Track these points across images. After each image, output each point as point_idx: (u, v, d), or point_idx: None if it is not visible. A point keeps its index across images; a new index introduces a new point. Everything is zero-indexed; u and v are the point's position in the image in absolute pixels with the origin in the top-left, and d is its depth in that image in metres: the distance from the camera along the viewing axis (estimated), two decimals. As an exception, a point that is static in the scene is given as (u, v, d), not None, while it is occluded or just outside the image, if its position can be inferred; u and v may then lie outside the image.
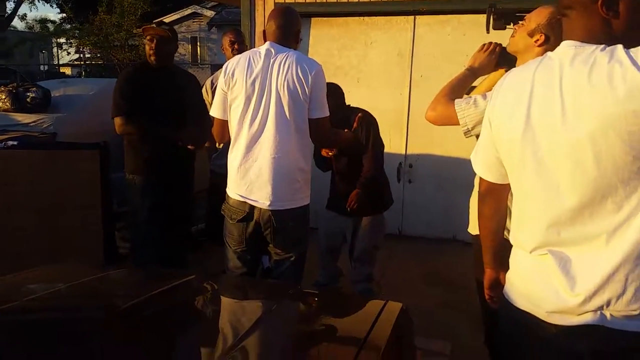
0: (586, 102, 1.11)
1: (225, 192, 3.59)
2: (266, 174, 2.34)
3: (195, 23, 17.51)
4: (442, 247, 4.99)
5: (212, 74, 4.31)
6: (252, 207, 2.37)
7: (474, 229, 2.13)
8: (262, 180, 2.34)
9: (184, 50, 17.04)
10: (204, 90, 3.87)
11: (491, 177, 1.48)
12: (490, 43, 2.15)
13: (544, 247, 1.24)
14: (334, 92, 3.24)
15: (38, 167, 3.31)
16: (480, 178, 1.55)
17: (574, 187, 1.16)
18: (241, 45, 3.80)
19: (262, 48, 2.41)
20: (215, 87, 3.77)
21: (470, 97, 1.94)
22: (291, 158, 2.36)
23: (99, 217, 3.27)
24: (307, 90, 2.33)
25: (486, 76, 2.24)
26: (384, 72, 5.10)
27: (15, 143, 3.60)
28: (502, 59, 2.18)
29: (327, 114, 2.44)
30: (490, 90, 1.88)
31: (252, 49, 2.51)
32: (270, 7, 5.09)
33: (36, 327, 1.49)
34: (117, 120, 3.19)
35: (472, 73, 2.12)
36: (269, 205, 2.35)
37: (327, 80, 2.50)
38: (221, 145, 3.84)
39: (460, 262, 4.24)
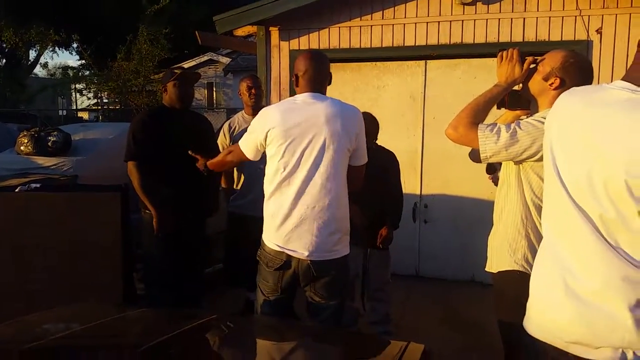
0: None
1: (242, 232, 3.61)
2: (306, 224, 2.28)
3: (211, 69, 17.97)
4: (460, 288, 4.93)
5: (227, 118, 4.41)
6: (290, 257, 2.31)
7: (493, 266, 2.12)
8: (301, 230, 2.28)
9: (200, 95, 17.43)
10: (221, 133, 3.96)
11: None
12: (506, 50, 2.08)
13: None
14: (372, 123, 3.34)
15: (60, 209, 3.37)
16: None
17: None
18: (258, 90, 3.89)
19: (299, 98, 2.39)
20: (234, 130, 3.88)
21: (495, 124, 1.93)
22: (332, 208, 2.30)
23: (119, 258, 3.29)
24: (354, 140, 2.33)
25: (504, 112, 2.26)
26: (397, 115, 5.18)
27: (37, 185, 3.67)
28: (515, 102, 2.19)
29: (366, 160, 2.45)
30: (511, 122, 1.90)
31: (288, 99, 2.49)
32: (285, 54, 5.25)
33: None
34: (129, 165, 3.27)
35: (502, 89, 2.07)
36: (308, 256, 2.29)
37: None
38: (239, 186, 3.90)
39: (480, 304, 4.18)
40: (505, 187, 2.09)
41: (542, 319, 1.32)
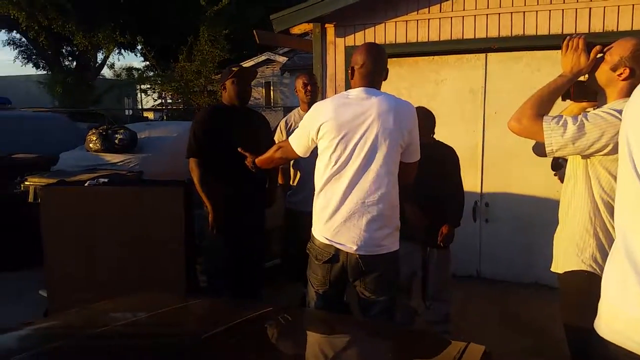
0: None
1: (299, 228, 3.64)
2: (354, 219, 2.28)
3: (268, 69, 18.26)
4: (523, 290, 4.76)
5: (284, 116, 4.46)
6: (338, 250, 2.32)
7: (559, 267, 2.03)
8: (349, 224, 2.29)
9: (258, 94, 17.74)
10: (277, 130, 4.01)
11: None
12: (570, 38, 1.98)
13: None
14: (428, 117, 3.29)
15: (126, 203, 3.53)
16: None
17: None
18: (314, 86, 3.92)
19: (353, 92, 2.38)
20: (290, 126, 3.92)
21: (561, 116, 1.85)
22: (381, 203, 2.29)
23: (182, 250, 3.41)
24: (406, 136, 2.30)
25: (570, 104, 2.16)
26: (456, 110, 5.06)
27: (105, 180, 3.86)
28: (581, 93, 2.09)
29: (419, 157, 2.40)
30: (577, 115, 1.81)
31: (341, 93, 2.49)
32: (341, 51, 5.25)
33: (123, 352, 1.56)
34: (190, 161, 3.37)
35: (568, 79, 1.98)
36: (356, 250, 2.29)
37: None
38: (296, 182, 3.94)
39: (544, 307, 4.03)
40: (572, 183, 1.99)
41: (614, 320, 1.25)
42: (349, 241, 2.29)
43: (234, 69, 3.48)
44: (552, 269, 2.11)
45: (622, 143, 1.33)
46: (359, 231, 2.28)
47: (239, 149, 2.89)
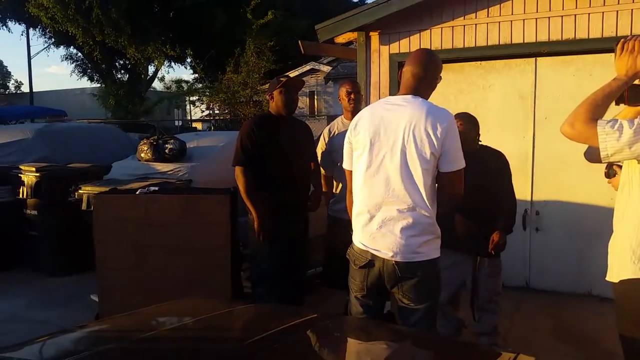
0: None
1: (341, 236, 3.64)
2: (389, 225, 2.28)
3: (313, 78, 18.45)
4: (575, 302, 4.57)
5: (327, 124, 4.47)
6: (374, 256, 2.32)
7: (614, 275, 1.94)
8: (385, 230, 2.28)
9: (302, 103, 17.92)
10: (321, 138, 4.03)
11: None
12: (625, 41, 1.90)
13: None
14: (472, 124, 3.23)
15: (175, 210, 3.62)
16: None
17: None
18: (357, 95, 3.89)
19: (394, 98, 2.39)
20: (333, 134, 3.93)
21: (616, 120, 1.79)
22: (416, 210, 2.26)
23: (227, 257, 3.46)
24: (437, 143, 2.24)
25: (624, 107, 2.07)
26: (505, 115, 4.94)
27: (156, 188, 3.98)
28: (635, 97, 1.99)
29: (462, 166, 2.32)
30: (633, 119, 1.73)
31: (383, 99, 2.49)
32: (385, 59, 5.23)
33: (170, 356, 1.59)
34: (236, 170, 3.42)
35: (623, 83, 1.91)
36: (392, 256, 2.28)
37: None
38: (338, 190, 3.94)
39: (598, 319, 3.87)
40: (627, 189, 1.91)
41: None
42: (385, 247, 2.29)
43: (282, 79, 3.53)
44: (607, 278, 2.02)
45: None
46: (394, 238, 2.27)
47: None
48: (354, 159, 2.43)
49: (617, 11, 4.31)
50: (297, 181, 3.55)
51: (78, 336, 1.82)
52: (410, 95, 2.35)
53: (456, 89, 5.11)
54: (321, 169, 3.87)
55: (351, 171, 2.49)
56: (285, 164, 3.44)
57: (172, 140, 5.52)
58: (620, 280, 1.91)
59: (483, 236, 3.21)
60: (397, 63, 5.07)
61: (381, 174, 2.30)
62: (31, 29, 22.95)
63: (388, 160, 2.28)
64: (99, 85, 23.74)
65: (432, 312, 2.41)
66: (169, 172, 5.17)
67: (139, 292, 3.53)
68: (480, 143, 3.36)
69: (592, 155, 2.23)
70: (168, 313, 2.10)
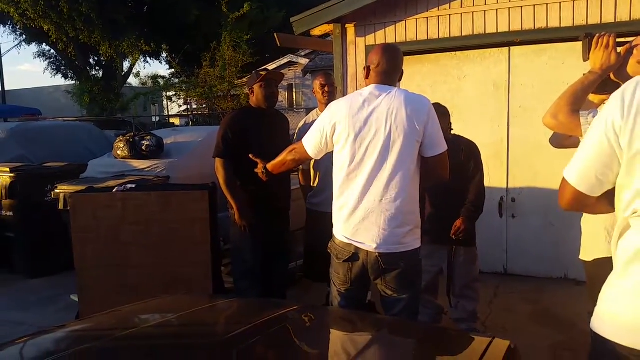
0: None
1: (320, 229, 3.66)
2: (373, 217, 2.28)
3: (291, 71, 18.40)
4: (551, 286, 4.68)
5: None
6: (358, 249, 2.33)
7: (587, 254, 1.99)
8: (368, 222, 2.29)
9: (280, 97, 17.85)
10: (297, 132, 4.02)
11: (583, 188, 1.44)
12: (601, 36, 1.96)
13: None
14: (443, 115, 3.24)
15: (153, 207, 3.59)
16: (566, 185, 1.51)
17: None
18: (331, 87, 3.90)
19: (366, 90, 2.38)
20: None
21: (596, 110, 1.83)
22: (399, 201, 2.27)
23: (207, 253, 3.45)
24: (422, 130, 2.26)
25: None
26: (480, 105, 5.00)
27: (133, 186, 3.94)
28: (602, 86, 2.06)
29: (445, 149, 2.34)
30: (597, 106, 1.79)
31: (355, 92, 2.49)
32: (361, 50, 5.24)
33: (153, 353, 1.59)
34: (216, 161, 3.42)
35: (598, 76, 1.96)
36: (376, 248, 2.29)
37: None
38: (316, 183, 3.95)
39: (575, 301, 3.96)
40: None
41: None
42: (368, 239, 2.30)
43: (261, 72, 3.52)
44: (580, 257, 2.06)
45: None
46: (377, 229, 2.28)
47: (250, 156, 2.89)
48: (335, 153, 2.41)
49: (587, 1, 4.38)
50: (278, 174, 3.54)
51: (59, 336, 1.80)
52: (383, 85, 2.36)
53: (432, 79, 5.15)
54: None
55: (307, 154, 2.49)
56: (266, 157, 3.43)
57: (148, 137, 5.45)
58: (594, 259, 1.96)
59: (452, 224, 3.26)
60: (373, 55, 5.09)
61: (364, 166, 2.30)
62: (1, 25, 22.39)
63: (370, 151, 2.29)
64: (73, 82, 23.32)
65: (415, 301, 2.44)
66: (146, 169, 5.11)
67: (119, 291, 3.51)
68: (452, 133, 3.39)
69: (557, 140, 2.31)
70: (149, 310, 2.09)
